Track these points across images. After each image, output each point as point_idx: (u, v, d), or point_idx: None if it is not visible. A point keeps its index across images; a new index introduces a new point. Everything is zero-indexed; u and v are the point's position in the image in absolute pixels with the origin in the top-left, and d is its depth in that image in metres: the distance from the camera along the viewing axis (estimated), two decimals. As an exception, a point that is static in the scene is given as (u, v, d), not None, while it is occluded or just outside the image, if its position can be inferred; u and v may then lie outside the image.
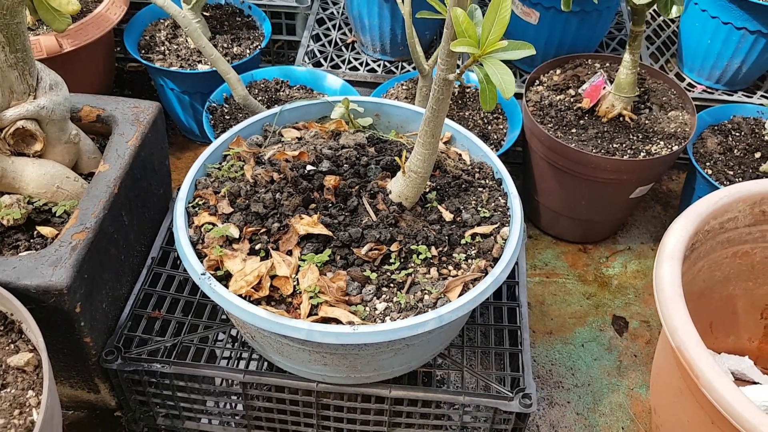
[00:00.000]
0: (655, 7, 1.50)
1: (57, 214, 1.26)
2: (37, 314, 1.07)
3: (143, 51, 1.99)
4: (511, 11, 1.88)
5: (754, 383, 1.53)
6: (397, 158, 1.26)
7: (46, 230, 1.24)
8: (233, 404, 1.41)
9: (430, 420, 1.33)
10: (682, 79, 2.08)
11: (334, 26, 2.22)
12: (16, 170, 1.26)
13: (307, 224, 1.19)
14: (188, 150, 2.15)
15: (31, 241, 1.24)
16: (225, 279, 1.15)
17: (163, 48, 1.99)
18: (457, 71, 1.02)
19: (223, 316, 1.41)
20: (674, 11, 1.43)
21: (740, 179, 1.68)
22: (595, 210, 1.76)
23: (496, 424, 1.31)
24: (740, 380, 1.55)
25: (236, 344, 1.38)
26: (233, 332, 1.38)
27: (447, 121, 1.45)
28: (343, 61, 2.08)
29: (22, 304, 1.06)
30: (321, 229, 1.18)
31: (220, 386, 1.34)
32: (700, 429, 1.19)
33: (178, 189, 1.28)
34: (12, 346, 1.08)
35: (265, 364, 1.38)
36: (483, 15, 0.97)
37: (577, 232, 1.87)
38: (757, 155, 1.72)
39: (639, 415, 1.52)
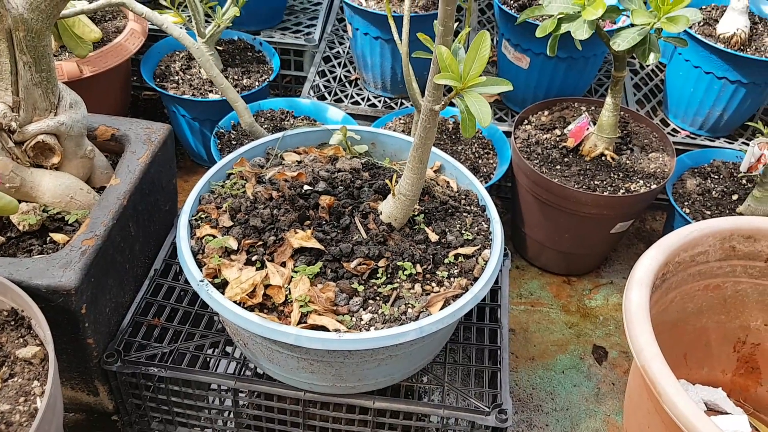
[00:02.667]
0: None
1: (69, 222, 1.36)
2: (45, 313, 1.14)
3: (158, 80, 2.12)
4: (504, 56, 2.01)
5: (728, 414, 1.59)
6: (387, 181, 1.35)
7: (58, 237, 1.34)
8: (224, 411, 1.47)
9: (411, 432, 1.40)
10: (667, 125, 2.18)
11: (339, 64, 2.34)
12: (34, 180, 1.36)
13: (301, 238, 1.28)
14: (196, 174, 2.25)
15: (44, 246, 1.34)
16: (222, 287, 1.23)
17: (177, 77, 2.12)
18: (442, 103, 1.12)
19: (219, 326, 1.49)
20: (651, 58, 1.54)
21: (717, 219, 1.76)
22: (578, 243, 1.85)
23: (473, 438, 1.37)
24: (714, 411, 1.60)
25: (230, 354, 1.45)
26: (228, 342, 1.45)
27: (437, 151, 1.55)
28: (345, 96, 2.20)
29: (33, 301, 1.14)
30: (314, 243, 1.27)
31: (213, 391, 1.41)
32: (666, 449, 1.25)
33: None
34: (21, 339, 1.16)
35: (257, 372, 1.45)
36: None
37: (561, 264, 1.95)
38: (735, 197, 1.81)
39: (614, 440, 1.58)
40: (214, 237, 1.30)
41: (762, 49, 1.98)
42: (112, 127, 1.55)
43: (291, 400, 1.36)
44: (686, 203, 1.81)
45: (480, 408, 1.33)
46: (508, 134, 1.94)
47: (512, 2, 2.04)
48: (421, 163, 1.26)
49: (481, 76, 1.04)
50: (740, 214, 1.77)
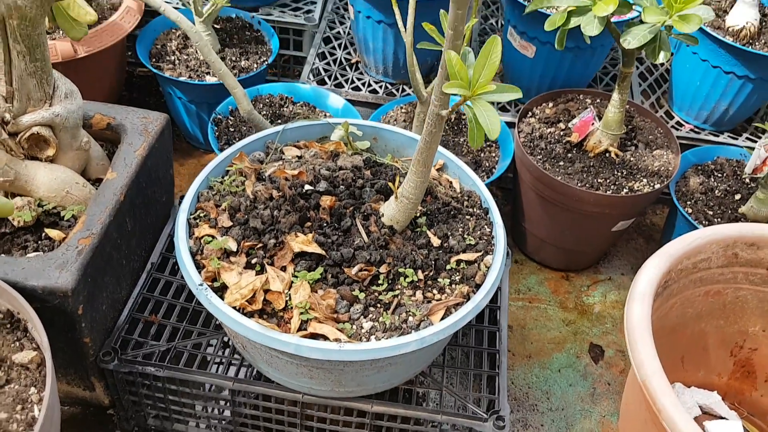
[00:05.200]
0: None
1: (65, 218, 1.33)
2: (41, 313, 1.12)
3: (154, 59, 2.06)
4: (509, 44, 1.96)
5: (722, 418, 1.60)
6: (390, 183, 1.33)
7: (53, 233, 1.31)
8: (221, 410, 1.47)
9: (408, 435, 1.40)
10: (672, 117, 2.15)
11: (339, 45, 2.29)
12: (29, 174, 1.33)
13: (301, 242, 1.25)
14: (191, 157, 2.21)
15: (39, 242, 1.31)
16: (221, 290, 1.21)
17: (173, 57, 2.06)
18: (449, 109, 1.09)
19: (217, 323, 1.47)
20: (662, 57, 1.50)
21: (719, 219, 1.75)
22: (578, 240, 1.83)
23: (470, 442, 1.37)
24: (708, 414, 1.61)
25: (227, 352, 1.44)
26: (225, 339, 1.44)
27: (441, 149, 1.52)
28: (346, 81, 2.15)
29: (29, 304, 1.12)
30: (315, 248, 1.25)
31: (210, 392, 1.40)
32: (662, 458, 1.26)
33: (181, 197, 1.34)
34: (17, 343, 1.14)
35: (254, 372, 1.44)
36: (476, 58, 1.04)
37: (561, 259, 1.94)
38: (737, 197, 1.80)
39: (608, 440, 1.59)
40: (214, 238, 1.27)
41: (772, 44, 1.94)
42: (108, 116, 1.50)
43: (289, 402, 1.36)
44: (689, 202, 1.79)
45: (477, 414, 1.32)
46: (510, 125, 1.91)
47: (520, -12, 1.98)
48: (425, 167, 1.23)
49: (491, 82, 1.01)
50: (743, 214, 1.75)
